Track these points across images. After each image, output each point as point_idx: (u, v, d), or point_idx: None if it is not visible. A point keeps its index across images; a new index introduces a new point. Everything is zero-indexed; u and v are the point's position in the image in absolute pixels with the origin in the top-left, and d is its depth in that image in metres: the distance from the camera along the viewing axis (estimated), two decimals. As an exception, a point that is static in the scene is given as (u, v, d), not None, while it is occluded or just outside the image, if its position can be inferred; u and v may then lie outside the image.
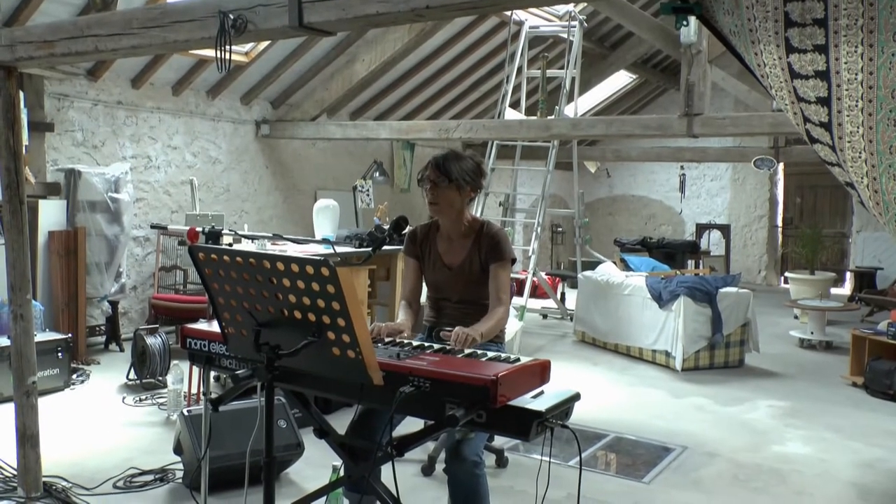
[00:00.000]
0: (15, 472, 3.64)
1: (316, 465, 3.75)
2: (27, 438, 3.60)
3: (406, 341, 2.58)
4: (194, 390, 4.87)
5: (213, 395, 2.45)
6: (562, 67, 8.98)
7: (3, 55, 3.62)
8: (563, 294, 9.98)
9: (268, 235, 3.84)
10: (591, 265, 8.60)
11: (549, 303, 9.24)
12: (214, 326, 2.68)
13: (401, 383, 2.15)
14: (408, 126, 7.69)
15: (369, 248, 2.86)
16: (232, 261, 2.07)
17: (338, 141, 8.89)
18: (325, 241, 5.55)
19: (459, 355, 2.40)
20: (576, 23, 8.38)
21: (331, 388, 2.36)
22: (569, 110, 8.23)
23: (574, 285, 8.75)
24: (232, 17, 2.54)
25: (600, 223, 14.24)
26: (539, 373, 2.31)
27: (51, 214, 6.12)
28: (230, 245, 4.69)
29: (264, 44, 7.06)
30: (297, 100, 8.46)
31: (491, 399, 2.07)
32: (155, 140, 7.32)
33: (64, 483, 3.64)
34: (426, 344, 2.55)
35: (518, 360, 2.30)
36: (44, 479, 3.60)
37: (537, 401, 2.21)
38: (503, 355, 2.36)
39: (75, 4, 5.74)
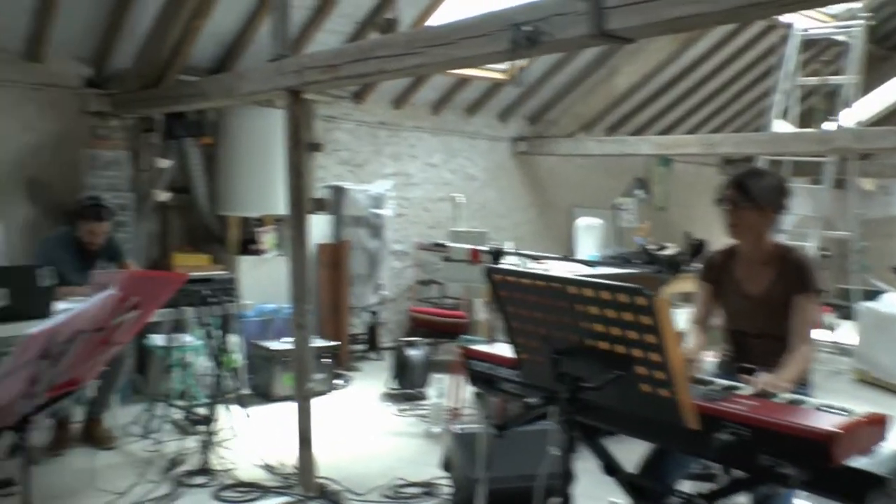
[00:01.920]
0: (292, 471, 3.82)
1: (587, 496, 3.56)
2: (305, 439, 3.79)
3: (711, 379, 2.32)
4: (457, 405, 4.88)
5: (475, 412, 2.35)
6: (836, 73, 8.13)
7: (292, 81, 3.84)
8: (832, 325, 9.01)
9: (555, 256, 3.71)
10: (869, 294, 7.66)
11: (819, 334, 8.35)
12: (497, 348, 2.60)
13: (712, 427, 1.91)
14: (671, 141, 7.34)
15: (639, 270, 2.64)
16: (532, 284, 1.95)
17: (594, 157, 8.69)
18: (587, 261, 5.37)
19: (777, 399, 2.10)
20: (858, 22, 7.54)
21: (627, 423, 2.16)
22: (845, 120, 7.41)
23: (846, 316, 7.84)
24: (526, 28, 2.44)
25: (874, 247, 12.76)
26: (877, 428, 1.96)
27: (319, 229, 6.51)
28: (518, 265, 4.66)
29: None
30: (554, 115, 8.39)
31: (828, 457, 1.77)
32: (414, 158, 7.57)
33: (336, 486, 3.75)
34: (735, 384, 2.27)
35: (850, 411, 1.97)
36: (317, 479, 3.76)
37: (868, 460, 1.87)
38: (833, 405, 2.03)
39: (344, 32, 6.06)
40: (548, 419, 2.02)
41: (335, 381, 5.74)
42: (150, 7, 5.09)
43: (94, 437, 4.33)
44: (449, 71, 6.62)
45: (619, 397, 1.91)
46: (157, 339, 4.77)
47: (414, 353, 5.46)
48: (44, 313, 3.40)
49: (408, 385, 5.47)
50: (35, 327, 1.27)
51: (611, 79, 7.63)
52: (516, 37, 2.47)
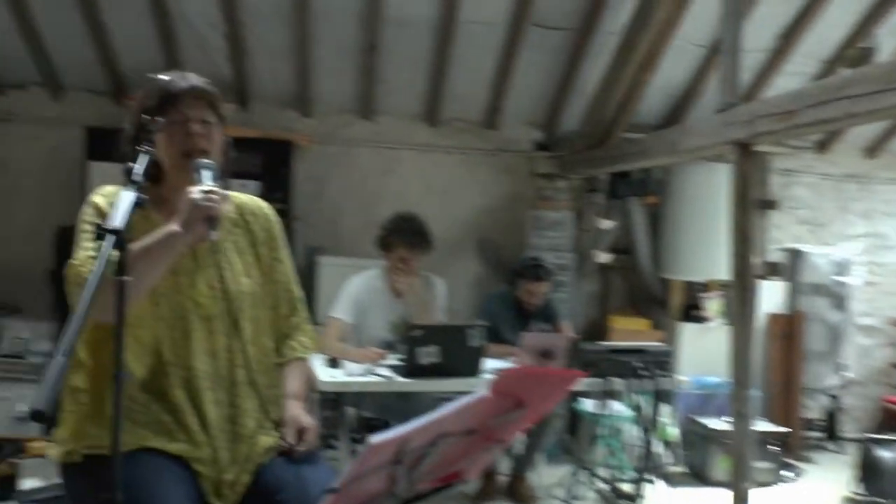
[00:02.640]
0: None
1: None
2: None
3: None
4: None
5: None
6: None
7: (740, 132, 3.41)
8: None
9: None
10: None
11: None
12: None
13: None
14: None
15: None
16: None
17: None
18: None
19: None
20: None
21: None
22: None
23: None
24: None
25: None
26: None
27: (771, 296, 5.79)
28: None
29: None
30: None
31: None
32: (890, 216, 6.40)
33: None
34: None
35: None
36: None
37: None
38: None
39: (805, 74, 5.37)
40: None
41: (783, 473, 4.98)
42: (597, 67, 5.10)
43: (518, 493, 4.31)
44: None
45: None
46: (587, 405, 4.62)
47: (886, 455, 4.47)
48: (473, 372, 3.46)
49: (877, 492, 4.48)
50: (378, 436, 1.10)
51: None
52: None
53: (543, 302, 4.47)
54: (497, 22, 4.82)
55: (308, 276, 5.23)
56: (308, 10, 4.65)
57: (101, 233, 1.38)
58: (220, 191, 1.69)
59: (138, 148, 1.66)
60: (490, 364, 3.64)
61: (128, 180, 1.53)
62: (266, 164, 5.11)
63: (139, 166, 1.58)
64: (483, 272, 5.69)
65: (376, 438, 1.14)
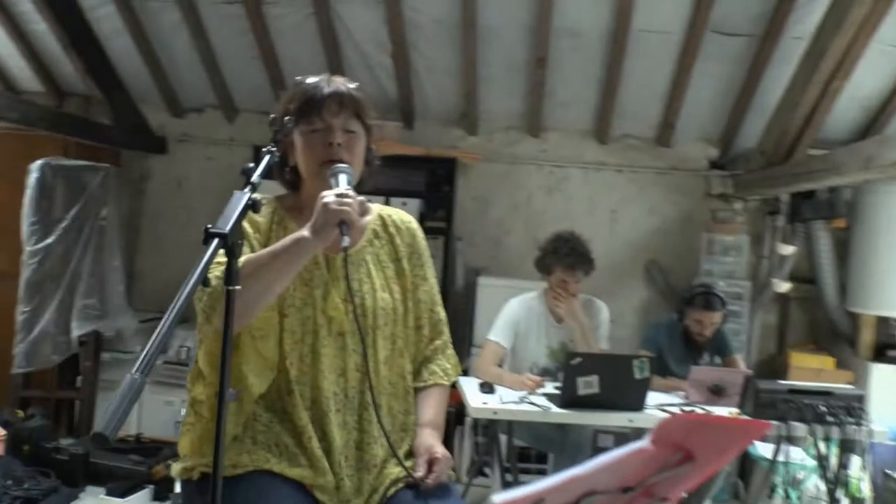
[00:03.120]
0: None
1: None
2: None
3: None
4: None
5: None
6: None
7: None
8: None
9: None
10: None
11: None
12: None
13: None
14: None
15: None
16: None
17: None
18: None
19: None
20: None
21: None
22: None
23: None
24: None
25: None
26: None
27: None
28: None
29: None
30: None
31: None
32: None
33: None
34: None
35: None
36: None
37: None
38: None
39: None
40: None
41: None
42: (780, 77, 4.67)
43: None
44: None
45: None
46: (762, 449, 4.19)
47: None
48: (636, 406, 3.22)
49: None
50: (502, 495, 0.93)
51: None
52: None
53: (714, 333, 4.11)
54: (672, 30, 4.53)
55: (467, 297, 5.16)
56: (475, 26, 4.58)
57: (208, 237, 1.29)
58: (356, 196, 1.57)
59: (273, 150, 1.58)
60: (654, 398, 3.39)
61: (245, 181, 1.44)
62: (429, 183, 5.12)
63: (258, 167, 1.49)
64: (650, 298, 5.38)
65: (500, 498, 0.97)
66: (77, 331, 4.78)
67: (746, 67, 4.73)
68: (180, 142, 5.65)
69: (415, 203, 4.92)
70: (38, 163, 4.79)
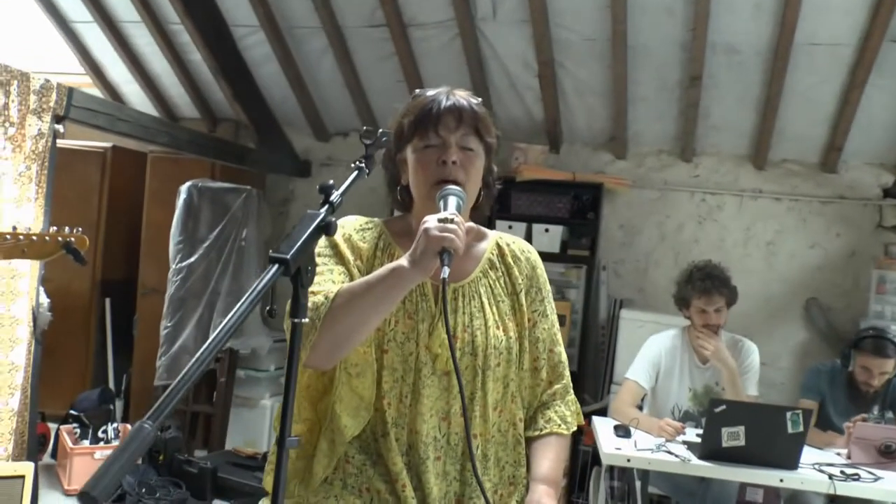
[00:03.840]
0: None
1: None
2: None
3: None
4: None
5: None
6: None
7: None
8: None
9: None
10: None
11: None
12: None
13: None
14: None
15: None
16: None
17: None
18: None
19: None
20: None
21: None
22: None
23: None
24: None
25: None
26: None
27: None
28: None
29: None
30: None
31: None
32: None
33: None
34: None
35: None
36: None
37: None
38: None
39: None
40: None
41: None
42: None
43: None
44: None
45: None
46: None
47: None
48: (788, 464, 2.85)
49: None
50: None
51: None
52: None
53: (885, 384, 3.62)
54: (843, 41, 4.10)
55: (609, 331, 4.88)
56: (624, 44, 4.35)
57: (272, 261, 1.15)
58: (463, 221, 1.41)
59: (361, 166, 1.44)
60: (810, 455, 3.01)
61: (323, 200, 1.29)
62: (573, 209, 4.89)
63: (340, 185, 1.35)
64: (809, 340, 4.86)
65: None
66: (214, 347, 4.91)
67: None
68: (324, 165, 5.74)
69: (558, 230, 4.76)
70: (186, 185, 4.99)
